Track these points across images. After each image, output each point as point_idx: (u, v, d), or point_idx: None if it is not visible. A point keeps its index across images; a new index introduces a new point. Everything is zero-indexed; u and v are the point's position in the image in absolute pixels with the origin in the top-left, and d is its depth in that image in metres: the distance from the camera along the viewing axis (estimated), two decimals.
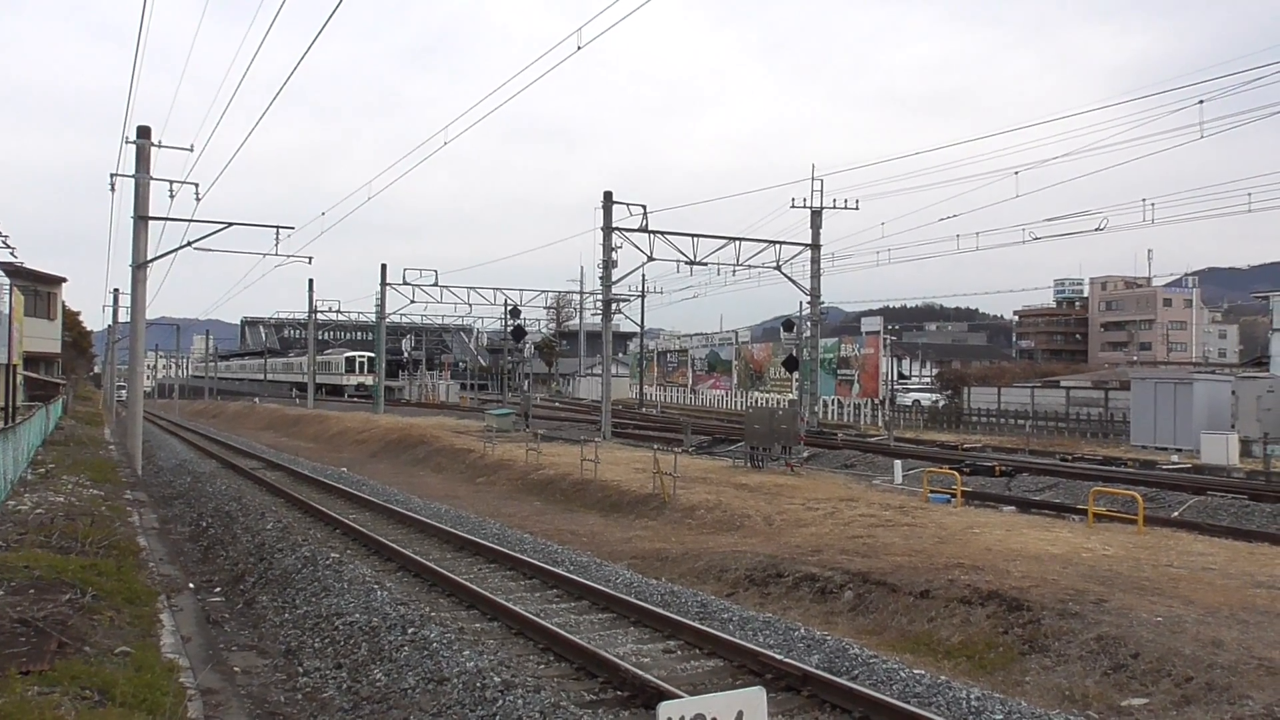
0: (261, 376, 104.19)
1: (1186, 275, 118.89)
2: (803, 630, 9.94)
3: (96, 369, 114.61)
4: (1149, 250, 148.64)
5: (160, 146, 25.98)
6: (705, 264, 37.99)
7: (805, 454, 27.31)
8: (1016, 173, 38.83)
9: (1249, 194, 41.08)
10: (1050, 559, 12.27)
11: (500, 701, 7.48)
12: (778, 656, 8.61)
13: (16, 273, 33.28)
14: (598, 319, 46.32)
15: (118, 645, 7.90)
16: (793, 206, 40.27)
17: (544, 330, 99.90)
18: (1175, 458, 28.60)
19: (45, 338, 44.16)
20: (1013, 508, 19.78)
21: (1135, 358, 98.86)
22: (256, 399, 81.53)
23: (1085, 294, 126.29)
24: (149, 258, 26.39)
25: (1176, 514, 19.03)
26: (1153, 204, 36.19)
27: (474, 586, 11.51)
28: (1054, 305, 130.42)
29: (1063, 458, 29.02)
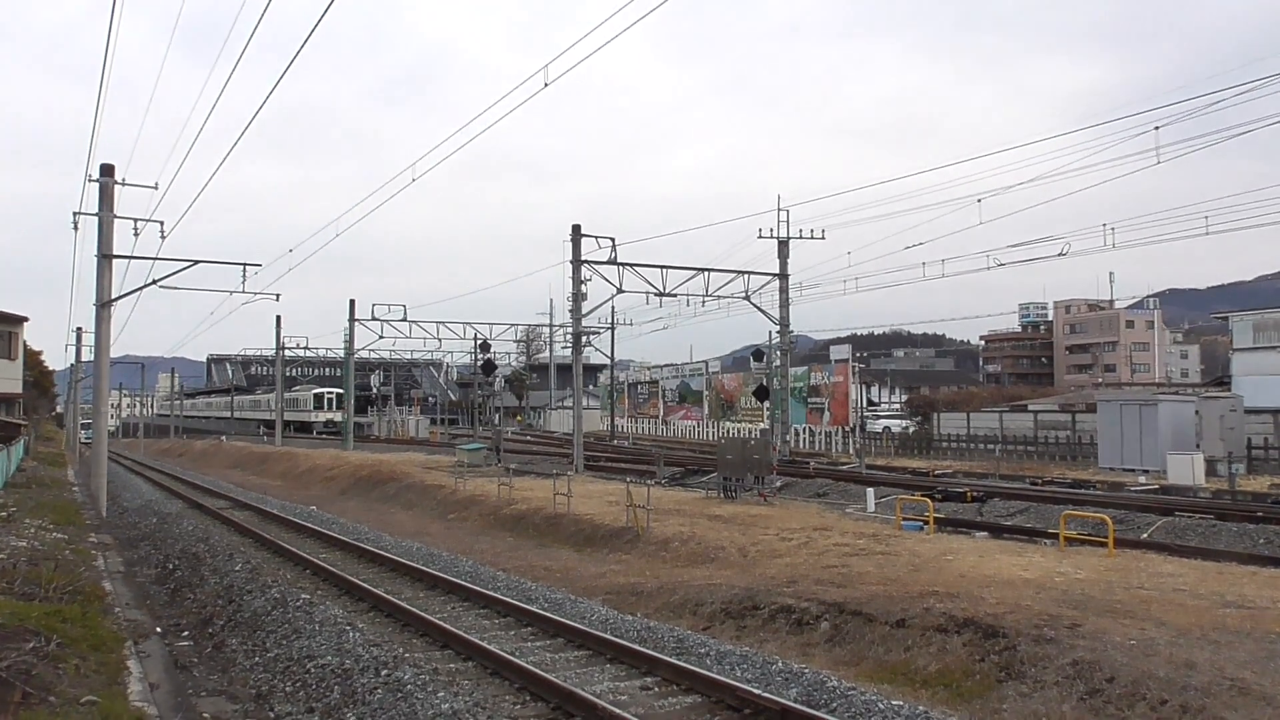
0: (228, 414, 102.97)
1: (1148, 297, 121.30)
2: (780, 663, 9.91)
3: (59, 409, 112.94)
4: (1110, 273, 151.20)
5: (124, 184, 25.87)
6: (674, 295, 38.06)
7: (778, 483, 27.34)
8: (979, 200, 39.35)
9: (1206, 216, 41.89)
10: (1024, 584, 12.33)
11: None
12: (756, 691, 8.57)
13: None
14: (568, 351, 46.34)
15: (84, 694, 7.74)
16: (760, 237, 40.32)
17: (514, 363, 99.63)
18: (1143, 479, 28.93)
19: (6, 378, 43.48)
20: (985, 533, 19.90)
21: (1100, 379, 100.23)
22: (223, 437, 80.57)
23: (1050, 317, 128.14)
24: (113, 296, 26.11)
25: (1146, 535, 19.21)
26: (1113, 228, 36.59)
27: (448, 626, 11.38)
28: (1019, 329, 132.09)
29: (1033, 481, 29.28)
